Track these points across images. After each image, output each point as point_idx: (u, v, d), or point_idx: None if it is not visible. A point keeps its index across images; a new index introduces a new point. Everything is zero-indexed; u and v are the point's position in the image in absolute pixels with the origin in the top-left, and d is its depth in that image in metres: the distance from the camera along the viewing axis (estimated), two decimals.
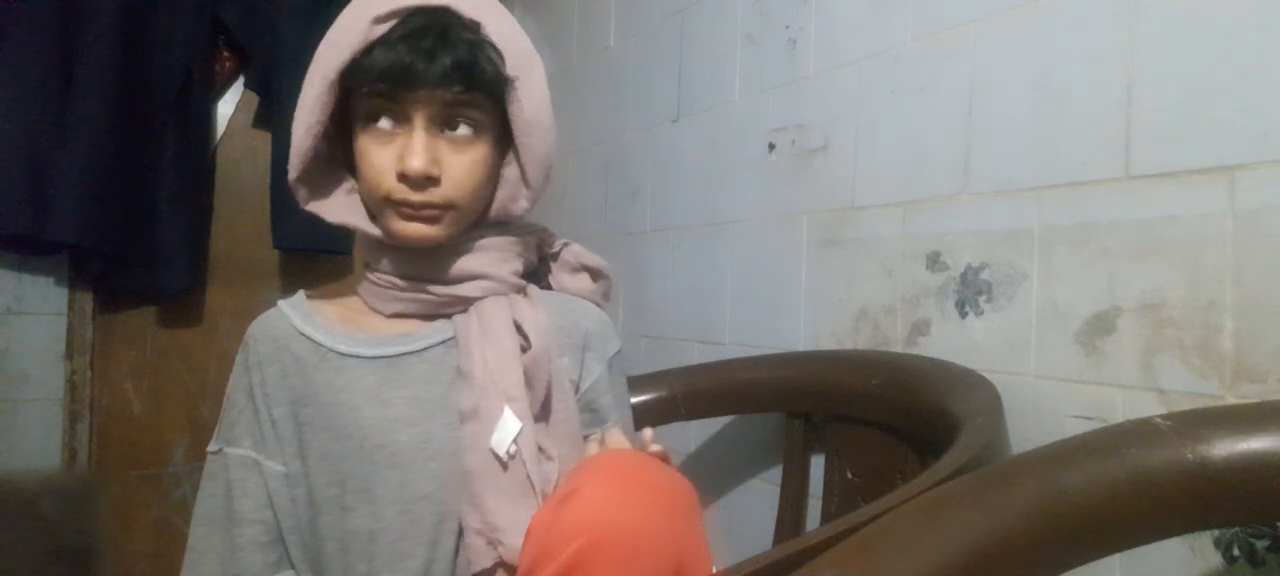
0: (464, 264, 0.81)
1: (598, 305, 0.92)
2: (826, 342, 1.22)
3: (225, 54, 2.04)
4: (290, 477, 0.79)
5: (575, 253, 0.92)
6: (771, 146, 1.34)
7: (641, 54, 1.70)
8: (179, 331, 2.05)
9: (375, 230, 0.80)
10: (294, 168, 0.78)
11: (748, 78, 1.41)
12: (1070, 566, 0.56)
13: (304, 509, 0.79)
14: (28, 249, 1.81)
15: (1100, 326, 0.86)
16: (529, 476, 0.75)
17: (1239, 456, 0.54)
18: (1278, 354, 0.72)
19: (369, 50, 0.74)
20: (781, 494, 1.21)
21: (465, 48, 0.74)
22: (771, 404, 1.22)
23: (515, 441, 0.75)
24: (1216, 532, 0.71)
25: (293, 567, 0.80)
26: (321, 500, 0.78)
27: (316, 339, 0.81)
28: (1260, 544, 0.67)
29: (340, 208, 0.81)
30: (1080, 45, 0.89)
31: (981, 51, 1.00)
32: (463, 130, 0.76)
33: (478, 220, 0.83)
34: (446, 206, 0.77)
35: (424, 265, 0.81)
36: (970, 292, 1.01)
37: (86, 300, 1.94)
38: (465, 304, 0.82)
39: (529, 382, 0.78)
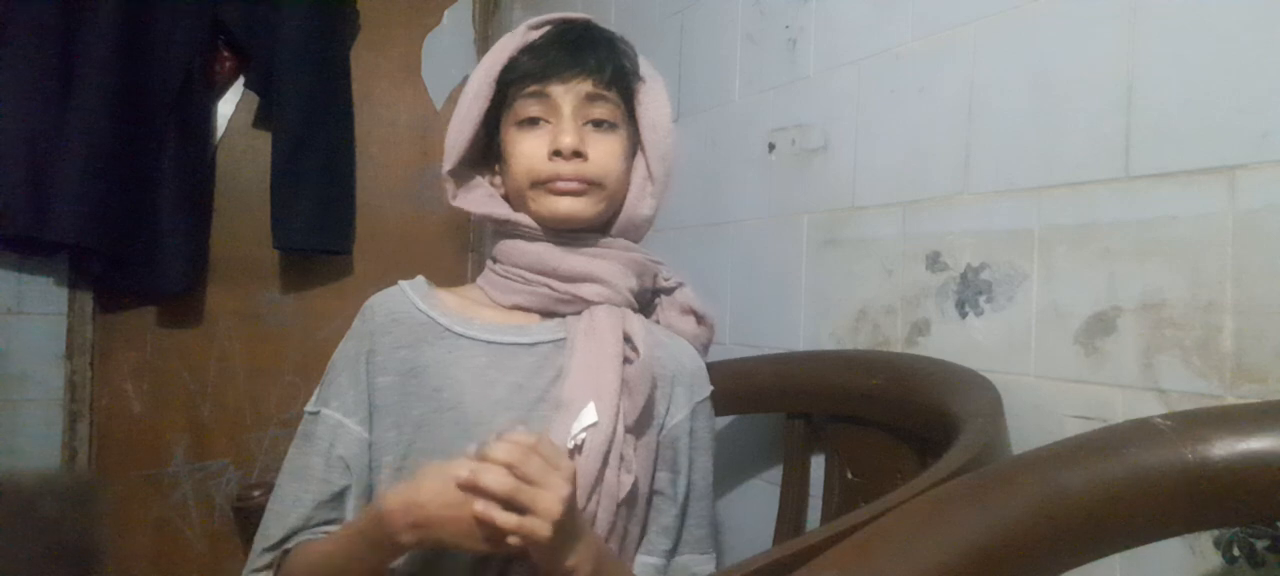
0: (586, 264, 0.87)
1: (698, 350, 0.97)
2: (826, 342, 1.22)
3: (225, 54, 2.04)
4: (377, 444, 0.84)
5: (686, 295, 0.97)
6: (771, 146, 1.34)
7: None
8: (179, 331, 2.05)
9: (516, 215, 0.88)
10: (450, 159, 0.89)
11: (748, 78, 1.41)
12: (1070, 566, 0.56)
13: (388, 475, 0.83)
14: (28, 249, 1.81)
15: (1100, 326, 0.86)
16: (599, 476, 0.78)
17: (1239, 456, 0.54)
18: (1278, 354, 0.72)
19: (524, 51, 0.87)
20: (781, 494, 1.21)
21: (605, 46, 0.89)
22: (771, 404, 1.22)
23: (585, 432, 0.78)
24: (1216, 532, 0.71)
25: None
26: (413, 467, 0.81)
27: (434, 316, 0.88)
28: (1260, 544, 0.67)
29: (484, 200, 0.91)
30: (1080, 45, 0.89)
31: (981, 51, 1.00)
32: (604, 120, 0.87)
33: (612, 218, 0.90)
34: (593, 183, 0.85)
35: (550, 258, 0.87)
36: (970, 292, 1.01)
37: (86, 300, 1.94)
38: (580, 305, 0.88)
39: (629, 391, 0.82)
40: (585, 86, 0.86)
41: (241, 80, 2.08)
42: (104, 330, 1.98)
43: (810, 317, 1.26)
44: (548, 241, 0.88)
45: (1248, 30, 0.76)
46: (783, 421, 1.22)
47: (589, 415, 0.79)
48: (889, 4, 1.14)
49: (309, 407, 0.88)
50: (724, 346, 1.42)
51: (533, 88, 0.86)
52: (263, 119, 2.08)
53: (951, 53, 1.04)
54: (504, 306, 0.90)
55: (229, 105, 2.10)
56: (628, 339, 0.85)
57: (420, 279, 0.93)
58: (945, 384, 0.93)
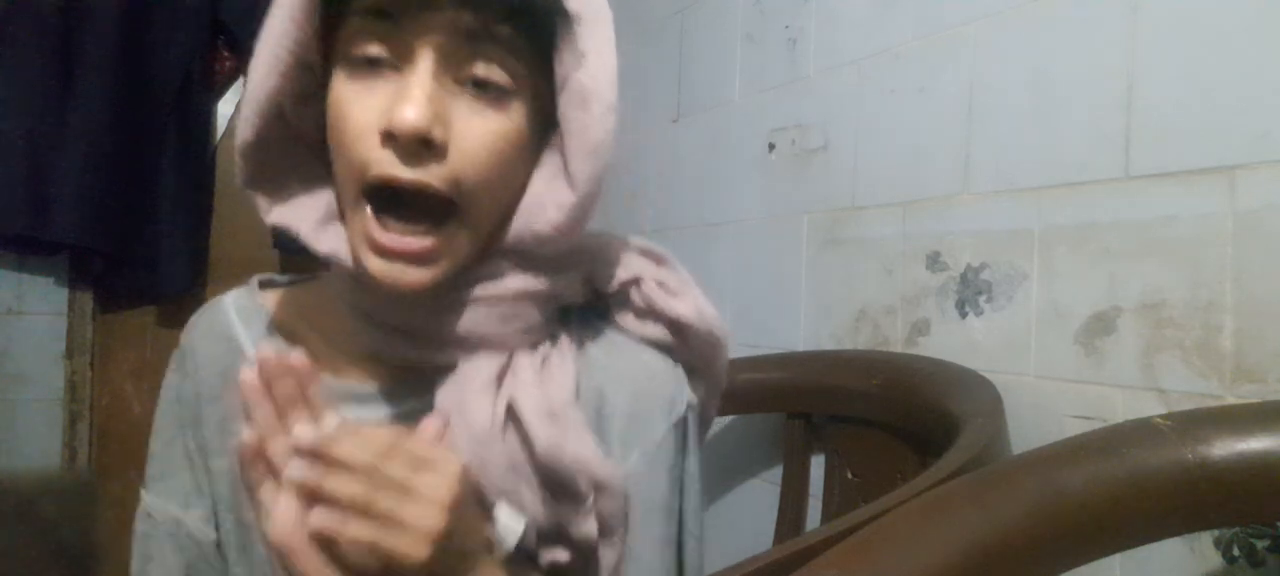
0: (448, 321, 0.56)
1: (668, 358, 0.63)
2: (826, 343, 1.22)
3: (225, 54, 2.04)
4: (227, 546, 0.61)
5: (648, 293, 0.61)
6: (771, 146, 1.34)
7: (641, 54, 1.70)
8: (179, 331, 2.03)
9: (329, 245, 0.57)
10: (248, 124, 0.54)
11: (748, 78, 1.41)
12: (1070, 566, 0.57)
13: None
14: (28, 249, 1.81)
15: (1100, 326, 0.86)
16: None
17: (1239, 456, 0.54)
18: (1278, 354, 0.72)
19: None
20: (782, 494, 1.21)
21: None
22: (772, 404, 1.22)
23: (523, 538, 0.54)
24: (1216, 532, 0.71)
25: None
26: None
27: None
28: (1260, 544, 0.67)
29: (292, 206, 0.59)
30: (1080, 45, 0.89)
31: (981, 51, 1.00)
32: (490, 76, 0.51)
33: (492, 239, 0.57)
34: (449, 201, 0.51)
35: (392, 310, 0.57)
36: (970, 293, 1.01)
37: (86, 300, 1.94)
38: (446, 371, 0.57)
39: (545, 477, 0.55)
40: (465, 17, 0.50)
41: (241, 80, 2.08)
42: (104, 330, 1.98)
43: (810, 317, 1.26)
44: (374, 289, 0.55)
45: (1248, 30, 0.76)
46: (783, 421, 1.22)
47: (510, 520, 0.53)
48: (889, 4, 1.14)
49: (143, 491, 0.64)
50: None
51: (372, 16, 0.51)
52: None
53: (951, 52, 1.04)
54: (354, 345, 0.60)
55: (229, 105, 2.10)
56: (512, 410, 0.55)
57: (254, 286, 0.66)
58: (945, 384, 0.93)
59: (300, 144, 0.58)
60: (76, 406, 1.93)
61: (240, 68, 2.07)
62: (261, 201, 0.58)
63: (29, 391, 1.87)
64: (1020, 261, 0.95)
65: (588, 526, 0.56)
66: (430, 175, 0.50)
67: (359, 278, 0.55)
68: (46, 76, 1.74)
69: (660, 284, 0.61)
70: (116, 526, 1.97)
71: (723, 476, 1.40)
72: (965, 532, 0.54)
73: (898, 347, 1.10)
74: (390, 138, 0.50)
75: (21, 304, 1.86)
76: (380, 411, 0.59)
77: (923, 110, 1.08)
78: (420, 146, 0.50)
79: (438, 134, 0.50)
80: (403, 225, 0.51)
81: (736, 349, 1.36)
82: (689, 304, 0.61)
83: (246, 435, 0.49)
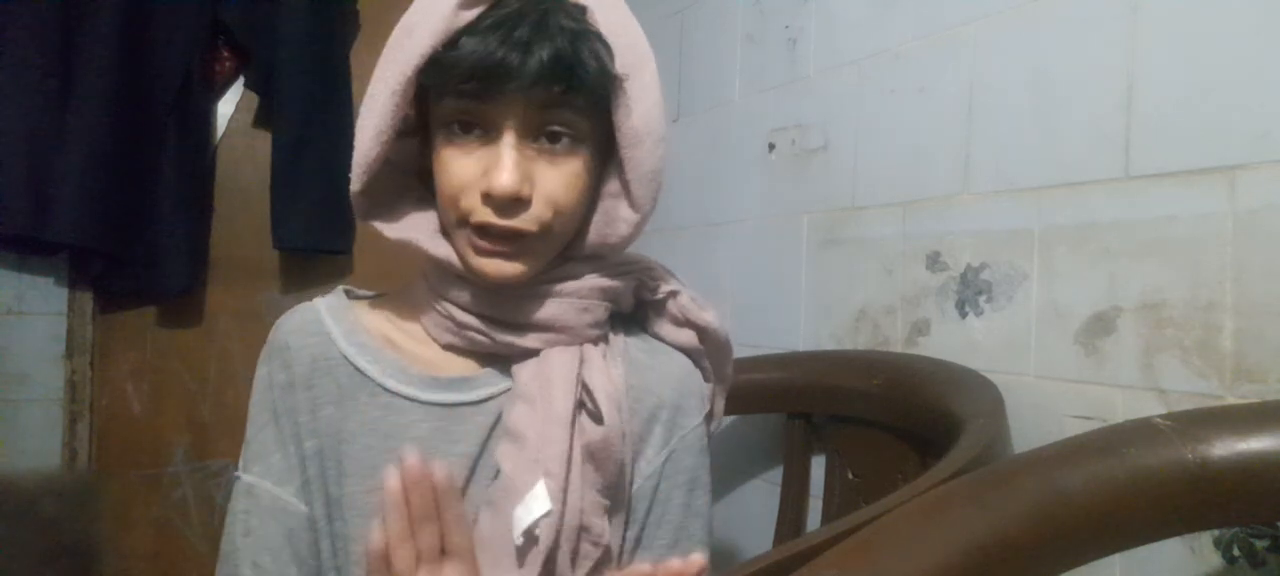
0: (534, 310, 0.68)
1: (697, 365, 0.77)
2: (826, 342, 1.22)
3: (225, 54, 2.03)
4: (316, 521, 0.68)
5: (682, 305, 0.75)
6: (771, 146, 1.34)
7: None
8: (179, 331, 2.05)
9: (444, 251, 0.68)
10: (357, 178, 0.66)
11: (748, 78, 1.41)
12: (1070, 566, 0.57)
13: (330, 560, 0.68)
14: (28, 249, 1.81)
15: (1100, 326, 0.86)
16: (552, 569, 0.64)
17: (1239, 456, 0.54)
18: (1278, 354, 0.72)
19: (453, 42, 0.62)
20: (782, 494, 1.21)
21: (567, 39, 0.62)
22: (772, 404, 1.22)
23: (538, 522, 0.62)
24: (1216, 532, 0.71)
25: None
26: (353, 554, 0.67)
27: (363, 367, 0.69)
28: (1260, 544, 0.67)
29: (407, 224, 0.69)
30: (1080, 45, 0.89)
31: (981, 51, 1.00)
32: (563, 133, 0.64)
33: (569, 248, 0.70)
34: (536, 234, 0.64)
35: (488, 302, 0.69)
36: (970, 293, 1.01)
37: (86, 300, 1.94)
38: (527, 355, 0.69)
39: (594, 463, 0.66)
40: (539, 96, 0.62)
41: (241, 80, 2.08)
42: (104, 330, 1.98)
43: (810, 317, 1.26)
44: (480, 283, 0.68)
45: (1248, 30, 0.76)
46: (783, 421, 1.22)
47: (539, 503, 0.62)
48: (889, 4, 1.14)
49: (237, 469, 0.71)
50: None
51: (465, 100, 0.63)
52: (263, 119, 2.08)
53: (951, 52, 1.04)
54: (438, 343, 0.71)
55: (229, 105, 2.10)
56: (588, 392, 0.67)
57: (340, 293, 0.75)
58: (946, 384, 0.93)
59: (400, 171, 0.71)
60: (76, 406, 1.93)
61: (240, 68, 2.07)
62: (379, 225, 0.70)
63: (29, 391, 1.87)
64: (1020, 261, 0.95)
65: (617, 514, 0.68)
66: (520, 221, 0.64)
67: (463, 277, 0.68)
68: (46, 76, 1.73)
69: (692, 299, 0.75)
70: (116, 526, 1.98)
71: (723, 476, 1.40)
72: (965, 532, 0.54)
73: (898, 347, 1.10)
74: (489, 197, 0.63)
75: (21, 304, 1.86)
76: (473, 393, 0.70)
77: (923, 110, 1.08)
78: (513, 203, 0.63)
79: (526, 192, 0.63)
80: (495, 242, 0.65)
81: (737, 349, 1.35)
82: (712, 315, 0.76)
83: (376, 535, 0.59)
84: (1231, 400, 0.75)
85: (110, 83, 1.78)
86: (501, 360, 0.70)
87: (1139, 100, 0.84)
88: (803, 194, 1.28)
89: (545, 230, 0.65)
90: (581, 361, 0.68)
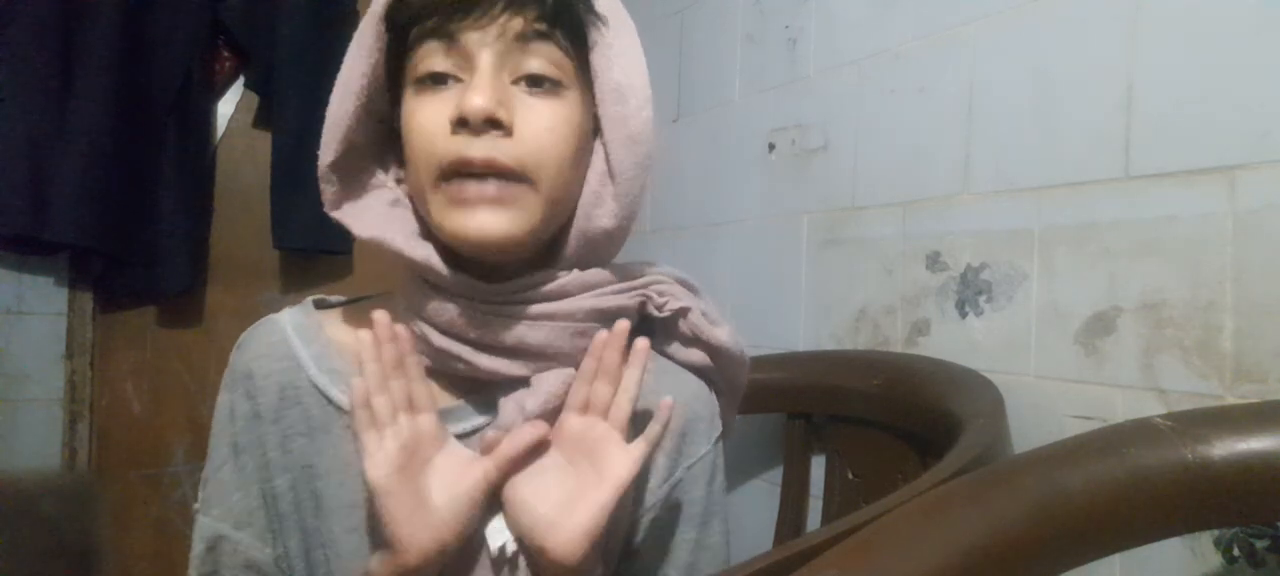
0: (522, 333, 0.60)
1: (709, 383, 0.71)
2: (826, 342, 1.22)
3: (225, 54, 2.04)
4: (289, 555, 0.63)
5: (693, 323, 0.67)
6: (771, 146, 1.34)
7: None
8: (179, 331, 2.05)
9: (423, 253, 0.60)
10: (329, 147, 0.60)
11: (748, 78, 1.41)
12: (1070, 566, 0.56)
13: None
14: (28, 249, 1.81)
15: (1100, 326, 0.86)
16: None
17: (1239, 456, 0.54)
18: (1278, 354, 0.72)
19: None
20: (782, 494, 1.21)
21: None
22: (772, 404, 1.22)
23: (504, 550, 0.59)
24: (1216, 532, 0.71)
25: None
26: None
27: (335, 398, 0.62)
28: (1260, 544, 0.67)
29: (377, 219, 0.62)
30: (1080, 45, 0.89)
31: (981, 51, 1.00)
32: (543, 76, 0.58)
33: (556, 244, 0.63)
34: (519, 175, 0.57)
35: (471, 322, 0.60)
36: (970, 293, 1.01)
37: (86, 300, 1.94)
38: (514, 384, 0.62)
39: None
40: (514, 23, 0.56)
41: (241, 80, 2.08)
42: (104, 330, 1.98)
43: (810, 317, 1.26)
44: (463, 295, 0.60)
45: (1248, 30, 0.76)
46: (783, 421, 1.22)
47: (496, 532, 0.59)
48: (889, 4, 1.14)
49: (202, 529, 0.64)
50: None
51: (433, 23, 0.57)
52: (263, 119, 2.08)
53: (951, 52, 1.04)
54: None
55: (229, 105, 2.10)
56: None
57: (308, 306, 0.68)
58: (946, 384, 0.93)
59: (379, 167, 0.65)
60: (76, 406, 1.93)
61: (240, 68, 2.07)
62: (349, 221, 0.63)
63: (29, 391, 1.87)
64: (1020, 261, 0.95)
65: (609, 548, 0.63)
66: (498, 152, 0.56)
67: (444, 287, 0.60)
68: (46, 76, 1.73)
69: (703, 314, 0.68)
70: (116, 526, 1.97)
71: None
72: (965, 533, 0.54)
73: (898, 347, 1.10)
74: (461, 123, 0.56)
75: (21, 304, 1.86)
76: (453, 428, 0.63)
77: (923, 110, 1.08)
78: (488, 126, 0.55)
79: (503, 115, 0.56)
80: (477, 183, 0.57)
81: None
82: (725, 332, 0.69)
83: (358, 383, 0.58)
84: (1231, 400, 0.75)
85: (110, 82, 1.78)
86: (485, 388, 0.63)
87: (1139, 100, 0.84)
88: (803, 194, 1.28)
89: (529, 175, 0.57)
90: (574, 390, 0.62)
